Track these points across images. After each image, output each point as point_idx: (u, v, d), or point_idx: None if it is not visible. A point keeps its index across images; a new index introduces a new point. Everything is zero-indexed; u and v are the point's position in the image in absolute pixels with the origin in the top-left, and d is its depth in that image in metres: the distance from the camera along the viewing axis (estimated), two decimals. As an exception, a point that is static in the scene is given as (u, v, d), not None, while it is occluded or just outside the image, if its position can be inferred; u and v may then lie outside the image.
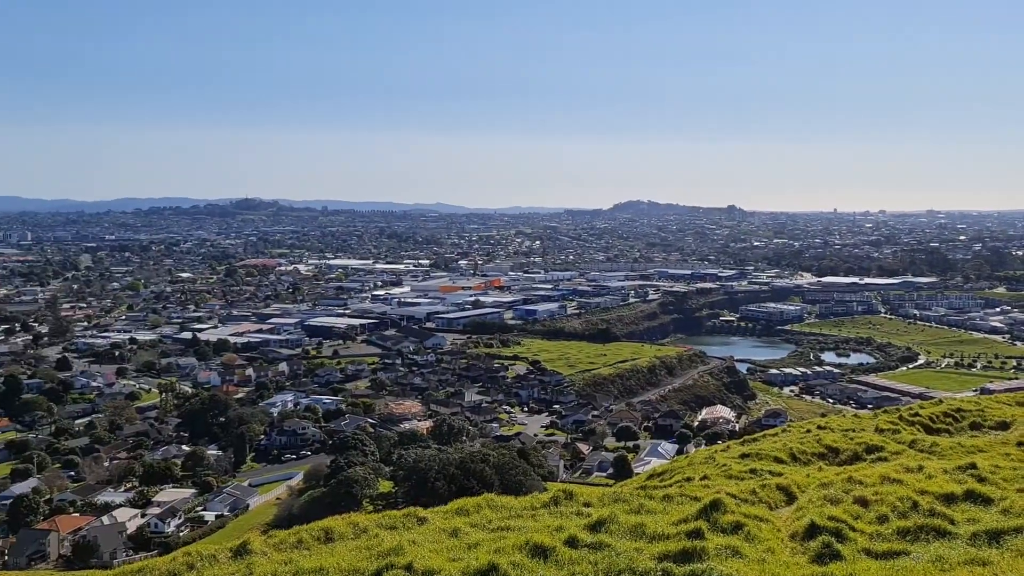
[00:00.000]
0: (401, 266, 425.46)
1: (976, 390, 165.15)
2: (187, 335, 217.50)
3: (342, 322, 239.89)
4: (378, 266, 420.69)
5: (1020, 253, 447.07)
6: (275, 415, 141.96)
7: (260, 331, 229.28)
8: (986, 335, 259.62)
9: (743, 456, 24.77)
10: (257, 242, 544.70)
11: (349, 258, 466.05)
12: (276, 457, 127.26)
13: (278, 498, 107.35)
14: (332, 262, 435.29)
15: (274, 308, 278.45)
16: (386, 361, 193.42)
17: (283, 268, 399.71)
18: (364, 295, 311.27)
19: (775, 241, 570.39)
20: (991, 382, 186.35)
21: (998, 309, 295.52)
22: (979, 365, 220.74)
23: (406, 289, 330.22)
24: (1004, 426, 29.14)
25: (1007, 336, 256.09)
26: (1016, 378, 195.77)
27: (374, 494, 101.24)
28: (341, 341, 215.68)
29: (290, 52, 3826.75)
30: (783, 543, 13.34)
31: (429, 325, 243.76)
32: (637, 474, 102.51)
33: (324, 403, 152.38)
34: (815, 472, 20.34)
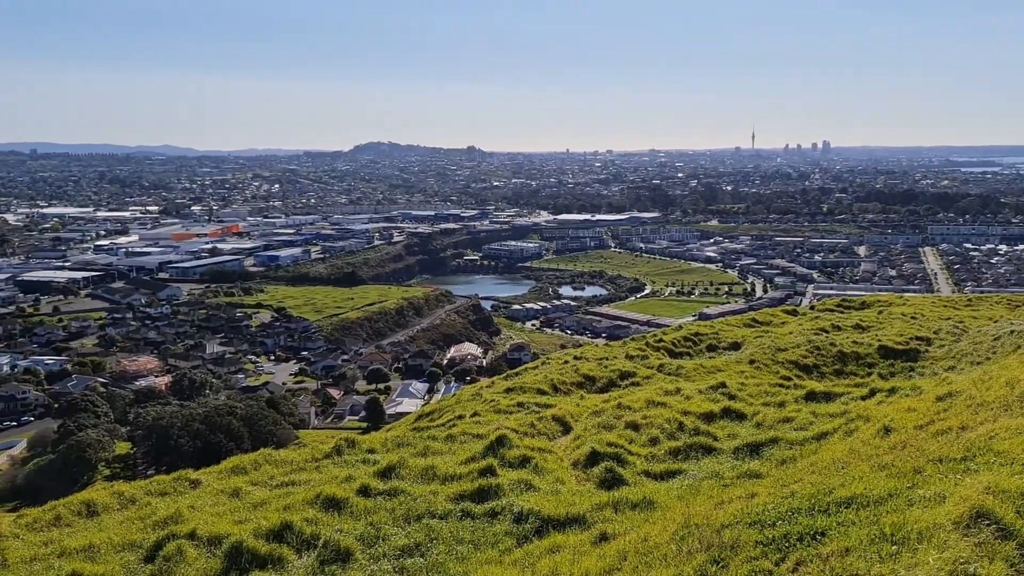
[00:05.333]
0: (127, 213, 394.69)
1: (695, 315, 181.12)
2: None
3: (62, 275, 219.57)
4: (100, 214, 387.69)
5: (729, 188, 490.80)
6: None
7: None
8: (703, 264, 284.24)
9: (508, 391, 25.34)
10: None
11: (66, 206, 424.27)
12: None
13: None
14: (46, 211, 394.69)
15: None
16: (115, 316, 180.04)
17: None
18: (86, 246, 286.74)
19: (513, 181, 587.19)
20: (707, 307, 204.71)
21: (712, 240, 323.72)
22: (697, 292, 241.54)
23: (134, 238, 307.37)
24: (736, 346, 31.95)
25: (720, 264, 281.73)
26: (728, 302, 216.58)
27: (111, 457, 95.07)
28: (62, 296, 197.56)
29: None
30: (568, 472, 13.76)
31: (162, 275, 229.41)
32: (391, 415, 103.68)
33: (46, 364, 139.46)
34: (580, 400, 21.21)
